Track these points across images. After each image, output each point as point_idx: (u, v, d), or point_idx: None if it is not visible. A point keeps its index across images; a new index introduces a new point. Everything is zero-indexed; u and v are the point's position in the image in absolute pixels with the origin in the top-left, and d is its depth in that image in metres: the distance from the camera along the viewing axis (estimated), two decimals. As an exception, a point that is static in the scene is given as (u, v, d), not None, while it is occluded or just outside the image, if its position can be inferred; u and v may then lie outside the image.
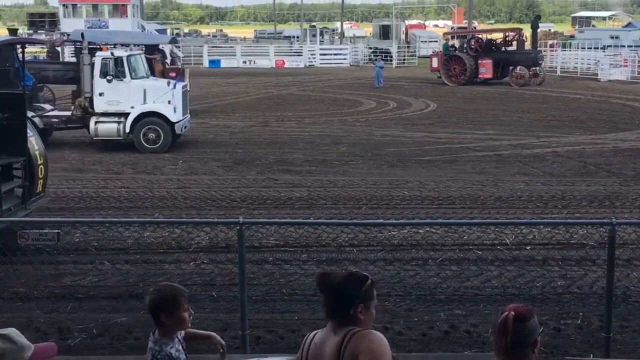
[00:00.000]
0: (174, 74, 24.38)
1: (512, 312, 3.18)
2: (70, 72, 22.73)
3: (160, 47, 27.59)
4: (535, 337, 3.21)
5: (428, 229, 12.05)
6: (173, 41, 27.02)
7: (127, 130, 20.19)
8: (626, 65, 44.88)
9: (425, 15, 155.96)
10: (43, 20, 58.19)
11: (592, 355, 7.53)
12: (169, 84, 20.61)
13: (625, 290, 9.44)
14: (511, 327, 3.14)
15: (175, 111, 20.34)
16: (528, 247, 11.34)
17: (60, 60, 28.03)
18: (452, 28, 67.84)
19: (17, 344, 2.84)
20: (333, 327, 3.61)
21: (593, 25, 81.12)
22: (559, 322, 8.54)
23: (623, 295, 9.28)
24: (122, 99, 20.19)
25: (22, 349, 2.84)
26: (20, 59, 15.71)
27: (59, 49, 27.87)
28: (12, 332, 2.92)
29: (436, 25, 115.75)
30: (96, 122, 20.27)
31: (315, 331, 3.80)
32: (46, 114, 21.11)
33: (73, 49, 25.07)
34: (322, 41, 68.59)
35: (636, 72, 43.77)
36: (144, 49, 25.17)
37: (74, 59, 23.05)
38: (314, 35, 68.13)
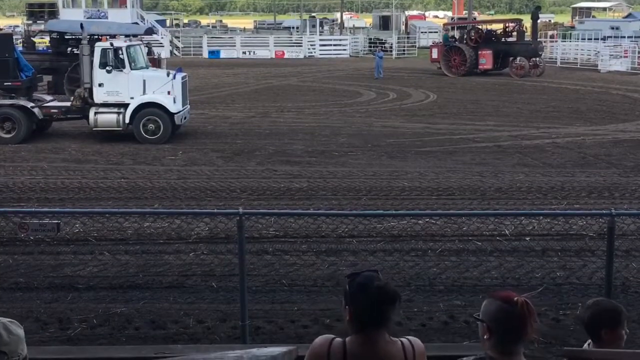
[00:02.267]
0: (150, 65, 24.30)
1: (518, 298, 3.10)
2: (46, 62, 22.67)
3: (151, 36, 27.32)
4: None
5: (427, 219, 12.06)
6: (149, 32, 26.80)
7: (127, 120, 20.17)
8: (626, 56, 44.82)
9: (425, 6, 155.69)
10: (42, 11, 57.95)
11: (590, 346, 7.54)
12: (168, 74, 20.57)
13: (624, 281, 9.47)
14: (524, 312, 3.07)
15: (174, 102, 20.32)
16: (527, 238, 11.35)
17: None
18: (452, 19, 67.71)
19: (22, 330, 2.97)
20: (376, 335, 3.37)
21: (593, 16, 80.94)
22: (558, 313, 8.56)
23: (622, 285, 9.30)
24: (121, 89, 20.16)
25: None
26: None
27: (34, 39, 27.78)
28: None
29: (436, 16, 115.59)
30: (96, 113, 20.25)
31: (328, 336, 3.48)
32: (46, 104, 21.09)
33: (49, 39, 24.90)
34: (322, 32, 68.49)
35: (636, 63, 43.73)
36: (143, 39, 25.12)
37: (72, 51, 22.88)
38: (314, 26, 68.03)
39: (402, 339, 3.49)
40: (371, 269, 3.56)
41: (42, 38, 30.91)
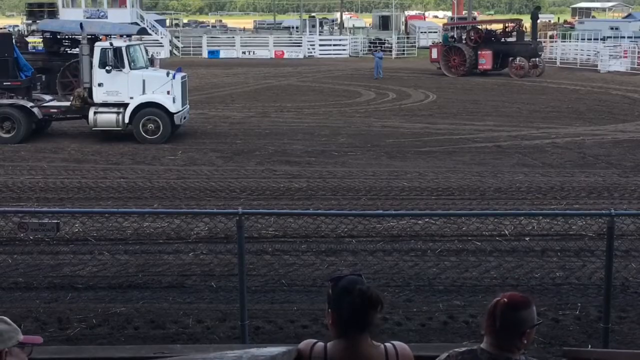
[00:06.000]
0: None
1: (506, 299, 3.23)
2: (39, 62, 22.69)
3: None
4: (525, 328, 3.21)
5: (427, 219, 12.06)
6: (142, 32, 26.90)
7: (127, 120, 20.17)
8: (626, 57, 44.81)
9: (425, 6, 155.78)
10: (42, 10, 57.92)
11: (590, 346, 7.55)
12: (168, 74, 20.57)
13: (623, 281, 9.46)
14: (500, 312, 3.21)
15: (174, 102, 20.32)
16: (527, 238, 11.35)
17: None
18: (451, 19, 67.68)
19: (12, 325, 3.07)
20: (358, 340, 3.34)
21: (593, 17, 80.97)
22: (557, 313, 8.56)
23: (621, 286, 9.30)
24: (121, 89, 20.16)
25: (16, 331, 3.06)
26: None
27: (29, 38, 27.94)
28: (6, 318, 3.12)
29: (436, 16, 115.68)
30: (95, 113, 20.25)
31: (310, 341, 3.51)
32: (45, 104, 21.09)
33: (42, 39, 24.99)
34: (322, 32, 68.48)
35: (636, 63, 43.70)
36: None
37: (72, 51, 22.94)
38: (314, 26, 68.02)
39: (386, 343, 3.45)
40: (355, 272, 3.53)
41: (39, 38, 30.98)
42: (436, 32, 63.70)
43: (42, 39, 25.02)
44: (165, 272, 9.97)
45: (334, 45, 61.01)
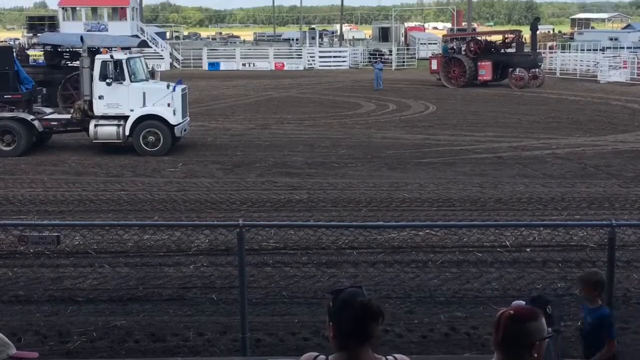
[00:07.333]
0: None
1: (511, 311, 3.18)
2: (39, 74, 22.74)
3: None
4: (534, 340, 3.15)
5: (428, 231, 12.05)
6: (143, 44, 27.05)
7: (127, 133, 20.17)
8: (625, 67, 44.87)
9: (425, 18, 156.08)
10: (43, 24, 58.11)
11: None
12: (168, 86, 20.60)
13: (625, 292, 9.44)
14: (504, 324, 3.16)
15: (174, 114, 20.33)
16: (528, 249, 11.33)
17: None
18: (451, 30, 67.91)
19: (3, 339, 3.10)
20: (359, 352, 3.32)
21: (592, 27, 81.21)
22: (559, 324, 8.52)
23: (623, 297, 9.28)
24: (121, 101, 20.17)
25: (7, 345, 3.10)
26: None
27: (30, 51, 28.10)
28: None
29: (435, 28, 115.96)
30: (96, 125, 20.25)
31: (312, 354, 3.50)
32: (46, 117, 21.10)
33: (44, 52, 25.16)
34: (322, 43, 68.74)
35: (635, 73, 43.73)
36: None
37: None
38: (314, 38, 68.21)
39: (387, 356, 3.44)
40: (355, 285, 3.53)
41: (41, 51, 31.12)
42: (436, 43, 63.85)
43: (42, 52, 25.12)
44: (165, 285, 9.95)
45: (334, 56, 61.16)
